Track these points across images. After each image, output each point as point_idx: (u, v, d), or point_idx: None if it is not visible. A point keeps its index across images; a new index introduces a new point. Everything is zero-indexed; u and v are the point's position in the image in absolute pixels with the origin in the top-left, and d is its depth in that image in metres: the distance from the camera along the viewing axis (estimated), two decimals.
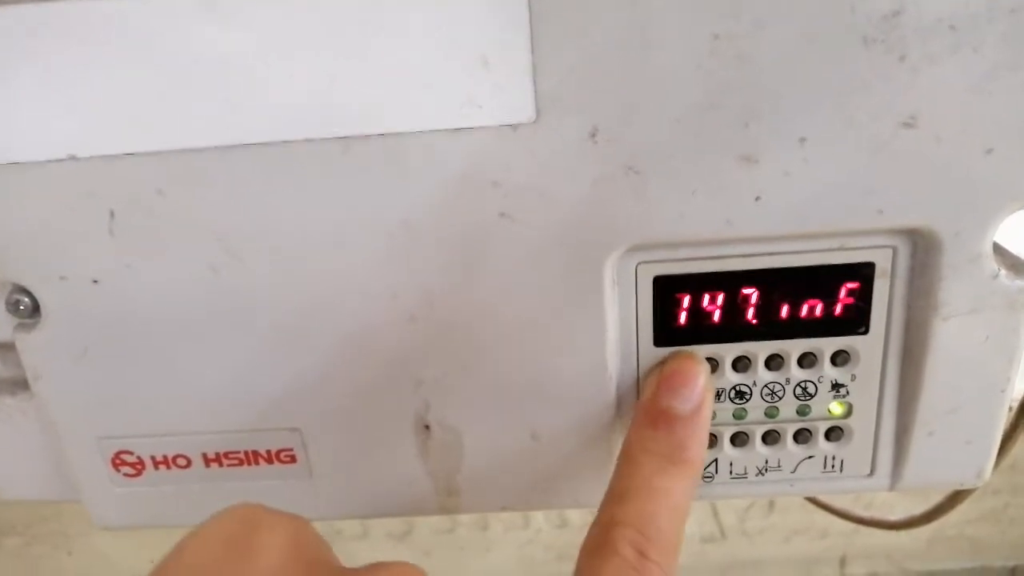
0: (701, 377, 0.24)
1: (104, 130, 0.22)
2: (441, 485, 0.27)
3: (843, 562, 0.68)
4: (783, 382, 0.25)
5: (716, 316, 0.24)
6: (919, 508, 0.33)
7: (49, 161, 0.22)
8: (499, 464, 0.26)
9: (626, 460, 0.24)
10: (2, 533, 0.66)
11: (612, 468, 0.24)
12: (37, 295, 0.24)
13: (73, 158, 0.22)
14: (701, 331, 0.24)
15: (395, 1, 0.20)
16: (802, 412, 0.25)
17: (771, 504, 0.61)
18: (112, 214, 0.23)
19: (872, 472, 0.26)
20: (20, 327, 0.25)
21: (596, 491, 0.24)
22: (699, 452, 0.24)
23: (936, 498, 0.31)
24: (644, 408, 0.24)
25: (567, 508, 0.28)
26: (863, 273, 0.23)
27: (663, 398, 0.24)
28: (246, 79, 0.21)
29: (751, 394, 0.25)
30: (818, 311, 0.24)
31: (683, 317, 0.24)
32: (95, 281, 0.24)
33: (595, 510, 0.23)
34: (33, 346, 0.25)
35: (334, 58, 0.21)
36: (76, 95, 0.22)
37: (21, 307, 0.24)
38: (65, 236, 0.23)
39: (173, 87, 0.21)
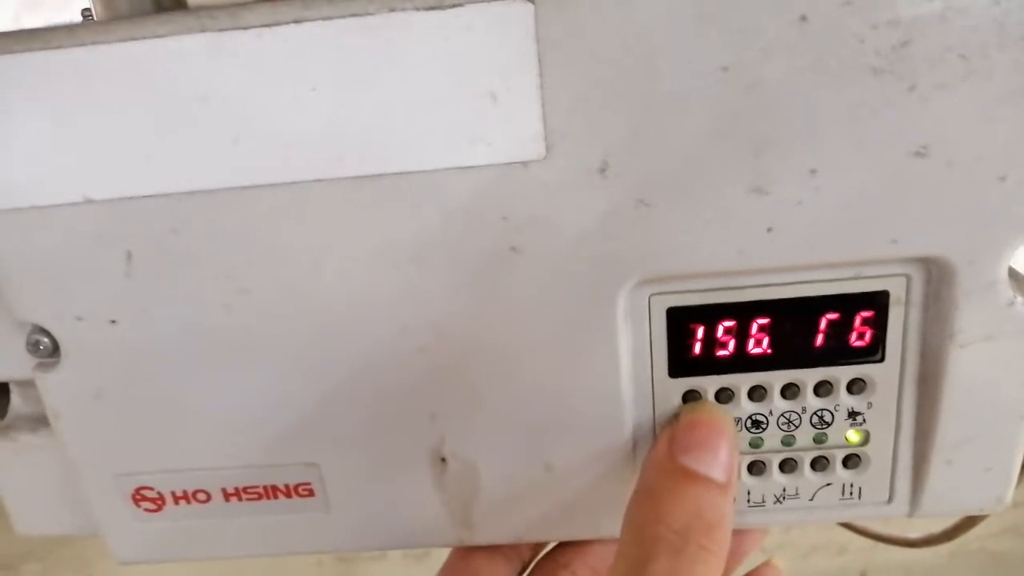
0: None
1: (118, 172, 0.22)
2: (457, 517, 0.27)
3: None
4: (799, 411, 0.25)
5: (731, 346, 0.24)
6: (938, 526, 0.32)
7: (64, 204, 0.23)
8: (514, 496, 0.26)
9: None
10: (21, 560, 0.66)
11: (628, 499, 0.24)
12: (56, 335, 0.25)
13: (88, 201, 0.23)
14: (716, 361, 0.24)
15: (402, 39, 0.21)
16: (819, 440, 0.25)
17: None
18: (129, 255, 0.23)
19: (890, 499, 0.26)
20: (40, 366, 0.25)
21: (612, 522, 0.24)
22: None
23: (956, 516, 0.31)
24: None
25: (583, 538, 0.28)
26: (878, 302, 0.23)
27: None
28: (256, 120, 0.21)
29: (767, 423, 0.25)
30: (833, 340, 0.24)
31: (698, 348, 0.24)
32: (112, 321, 0.24)
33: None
34: (53, 385, 0.25)
35: (343, 98, 0.21)
36: (89, 138, 0.22)
37: (41, 347, 0.25)
38: (82, 277, 0.24)
39: (185, 129, 0.22)
